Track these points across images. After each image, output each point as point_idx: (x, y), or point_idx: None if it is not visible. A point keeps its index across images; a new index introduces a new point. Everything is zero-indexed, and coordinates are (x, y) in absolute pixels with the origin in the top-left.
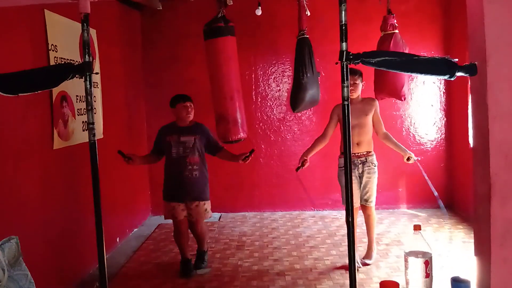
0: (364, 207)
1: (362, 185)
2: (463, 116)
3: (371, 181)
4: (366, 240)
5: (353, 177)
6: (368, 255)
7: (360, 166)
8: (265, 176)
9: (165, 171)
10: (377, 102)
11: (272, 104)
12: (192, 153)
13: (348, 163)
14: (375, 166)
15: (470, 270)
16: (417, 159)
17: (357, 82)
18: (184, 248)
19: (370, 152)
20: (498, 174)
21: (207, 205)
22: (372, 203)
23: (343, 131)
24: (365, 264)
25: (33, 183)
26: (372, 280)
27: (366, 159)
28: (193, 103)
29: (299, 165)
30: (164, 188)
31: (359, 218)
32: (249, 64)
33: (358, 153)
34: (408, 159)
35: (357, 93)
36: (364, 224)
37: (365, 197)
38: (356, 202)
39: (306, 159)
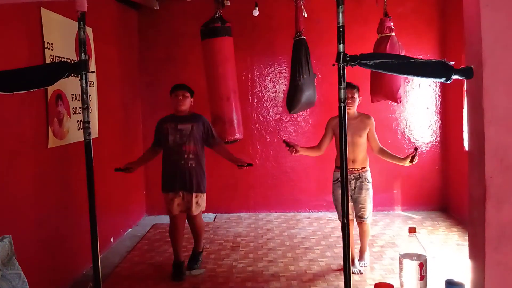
0: (359, 223)
1: (355, 201)
2: (458, 119)
3: (365, 197)
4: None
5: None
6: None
7: (353, 182)
8: (261, 177)
9: (163, 161)
10: (372, 120)
11: (268, 105)
12: (188, 141)
13: (345, 164)
14: (368, 182)
15: (464, 273)
16: (415, 149)
17: (355, 96)
18: (178, 248)
19: (364, 168)
20: (493, 177)
21: (200, 198)
22: (368, 220)
23: (339, 134)
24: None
25: (27, 182)
26: (367, 282)
27: (359, 175)
28: (191, 93)
29: (288, 144)
30: (162, 179)
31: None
32: (245, 64)
33: (352, 168)
34: (412, 161)
35: (354, 107)
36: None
37: (360, 213)
38: (350, 214)
39: (297, 149)
